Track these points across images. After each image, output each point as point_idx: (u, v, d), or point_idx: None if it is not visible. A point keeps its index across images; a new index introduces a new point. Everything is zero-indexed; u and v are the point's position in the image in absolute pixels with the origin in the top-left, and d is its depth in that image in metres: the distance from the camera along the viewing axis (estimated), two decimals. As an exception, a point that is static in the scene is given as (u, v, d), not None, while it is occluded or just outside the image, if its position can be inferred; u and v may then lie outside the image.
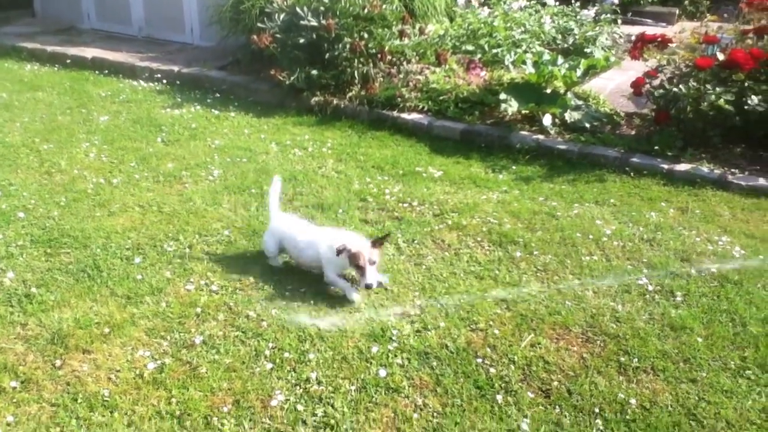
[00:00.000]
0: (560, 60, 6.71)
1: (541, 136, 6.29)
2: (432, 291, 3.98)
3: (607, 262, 4.31)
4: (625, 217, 4.93)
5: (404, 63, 7.38)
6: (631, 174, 5.66)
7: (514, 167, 5.92)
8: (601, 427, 2.98)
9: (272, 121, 7.03)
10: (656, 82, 6.11)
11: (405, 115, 6.88)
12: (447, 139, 6.57)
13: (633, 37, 6.79)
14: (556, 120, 6.38)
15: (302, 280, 4.03)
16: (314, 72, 7.10)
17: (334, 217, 4.85)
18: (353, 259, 3.79)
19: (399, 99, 6.95)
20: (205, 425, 2.91)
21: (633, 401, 3.11)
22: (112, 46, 9.16)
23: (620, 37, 9.26)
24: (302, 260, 4.10)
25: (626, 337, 3.57)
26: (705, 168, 5.58)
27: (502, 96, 6.46)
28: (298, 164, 5.87)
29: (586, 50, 8.31)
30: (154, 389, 3.09)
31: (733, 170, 5.53)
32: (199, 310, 3.69)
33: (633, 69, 7.10)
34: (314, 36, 7.03)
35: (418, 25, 7.82)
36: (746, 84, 5.68)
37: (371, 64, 7.16)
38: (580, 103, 6.54)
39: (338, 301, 3.85)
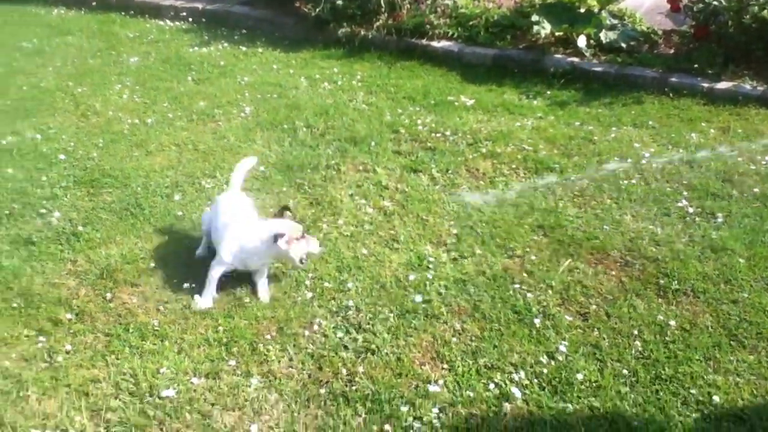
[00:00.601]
0: (595, -23, 6.43)
1: (575, 59, 6.11)
2: (467, 219, 3.98)
3: (646, 186, 4.25)
4: (664, 139, 4.83)
5: (432, -12, 7.15)
6: (670, 94, 5.49)
7: (548, 92, 5.80)
8: (640, 349, 3.00)
9: (300, 55, 6.94)
10: (695, -4, 5.84)
11: (434, 43, 6.73)
12: (478, 66, 6.43)
13: (673, -51, 6.46)
14: (591, 41, 6.17)
15: (338, 212, 4.06)
16: (339, 2, 6.93)
17: (367, 150, 4.83)
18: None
19: (428, 26, 6.78)
20: (252, 351, 3.02)
21: (672, 323, 3.12)
22: (136, -15, 9.04)
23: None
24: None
25: (666, 259, 3.55)
26: (747, 85, 5.38)
27: (534, 18, 6.25)
28: (328, 98, 5.83)
29: (622, -34, 7.93)
30: (201, 319, 3.20)
31: (777, 86, 5.33)
32: (239, 243, 3.76)
33: (671, -16, 6.78)
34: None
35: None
36: (794, -8, 5.40)
37: (398, -9, 6.96)
38: (615, 22, 6.30)
39: (374, 231, 3.88)
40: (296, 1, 7.22)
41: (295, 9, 7.24)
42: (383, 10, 7.02)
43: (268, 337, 3.10)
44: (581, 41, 6.14)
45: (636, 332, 3.09)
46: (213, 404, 2.76)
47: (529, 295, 3.35)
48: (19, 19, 8.12)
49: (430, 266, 3.58)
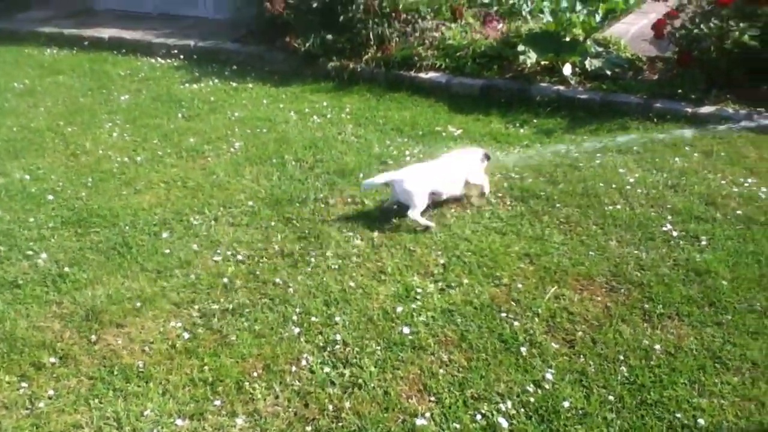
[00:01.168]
0: (578, 6, 6.55)
1: (561, 87, 6.19)
2: (454, 249, 4.00)
3: (631, 211, 4.28)
4: (648, 164, 4.87)
5: (419, 21, 7.25)
6: (655, 120, 5.56)
7: (535, 120, 5.86)
8: (626, 374, 3.00)
9: (290, 89, 7.03)
10: (678, 23, 5.95)
11: (422, 75, 6.83)
12: (466, 96, 6.51)
13: (653, -22, 6.60)
14: (577, 69, 6.27)
15: (327, 245, 4.08)
16: (329, 36, 7.07)
17: (356, 182, 4.87)
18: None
19: (416, 58, 6.89)
20: (238, 390, 3.01)
21: (658, 347, 3.13)
22: (127, 25, 9.18)
23: (641, -22, 8.97)
24: None
25: (650, 284, 3.56)
26: (730, 109, 5.46)
27: (520, 48, 6.36)
28: (317, 131, 5.89)
29: (605, -6, 8.07)
30: (186, 358, 3.20)
31: (759, 109, 5.39)
32: (226, 280, 3.78)
33: (654, 11, 6.93)
34: (327, -1, 6.97)
35: (432, -19, 7.67)
36: (772, 18, 5.51)
37: (386, 24, 7.07)
38: (600, 49, 6.40)
39: (362, 264, 3.89)
40: (286, 37, 7.32)
41: (285, 44, 7.34)
42: (372, 43, 7.14)
43: (255, 374, 3.10)
44: (567, 69, 6.23)
45: (622, 357, 3.09)
46: (198, 445, 2.75)
47: (515, 323, 3.35)
48: (12, 59, 8.25)
49: (418, 297, 3.59)
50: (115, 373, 3.11)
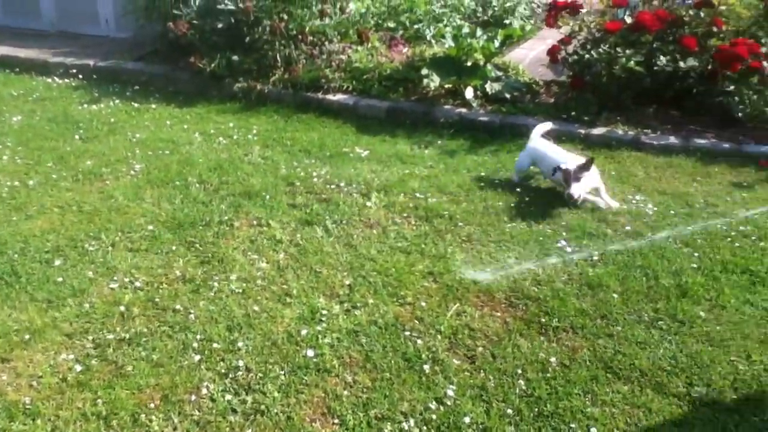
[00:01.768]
0: (479, 32, 6.80)
1: (464, 110, 6.38)
2: (360, 269, 4.02)
3: (529, 228, 4.44)
4: (545, 183, 5.08)
5: (326, 43, 7.34)
6: (551, 141, 5.79)
7: (439, 142, 6.00)
8: (524, 387, 3.09)
9: (195, 110, 6.91)
10: (570, 49, 6.28)
11: (330, 97, 6.87)
12: (373, 118, 6.60)
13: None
14: (478, 92, 6.49)
15: (231, 268, 4.01)
16: (235, 57, 7.00)
17: (261, 204, 4.83)
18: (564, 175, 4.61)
19: (323, 80, 6.93)
20: (133, 423, 2.89)
21: (553, 359, 3.25)
22: (22, 43, 8.77)
23: (538, 6, 9.43)
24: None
25: (547, 298, 3.70)
26: (620, 130, 5.79)
27: (424, 71, 6.52)
28: (223, 153, 5.80)
29: (505, 21, 8.44)
30: (78, 392, 3.04)
31: (645, 131, 5.75)
32: (123, 308, 3.64)
33: (551, 37, 7.24)
34: (232, 20, 6.92)
35: (338, 4, 7.76)
36: (654, 45, 5.90)
37: (293, 46, 7.10)
38: (500, 74, 6.66)
39: (267, 287, 3.85)
40: (191, 57, 7.19)
41: (190, 65, 7.21)
42: (279, 65, 7.14)
43: (152, 406, 2.99)
44: (468, 93, 6.44)
45: (520, 371, 3.18)
46: (90, 482, 2.62)
47: (419, 341, 3.40)
48: None
49: (323, 319, 3.58)
50: (-1, 411, 2.93)
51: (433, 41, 7.57)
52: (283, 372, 3.20)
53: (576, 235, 4.34)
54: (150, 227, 4.48)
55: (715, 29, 5.98)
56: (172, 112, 6.85)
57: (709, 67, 5.81)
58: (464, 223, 4.52)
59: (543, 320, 3.53)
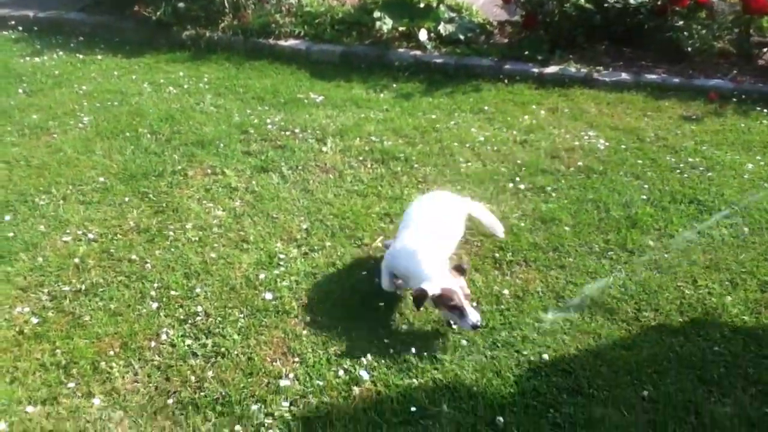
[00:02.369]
0: (431, -28, 6.68)
1: (418, 52, 6.33)
2: (317, 213, 4.03)
3: (484, 167, 4.49)
4: (499, 122, 5.11)
5: (275, -13, 7.14)
6: (505, 81, 5.83)
7: (394, 85, 5.96)
8: (479, 319, 3.17)
9: (143, 60, 6.70)
10: (523, -13, 6.23)
11: (282, 42, 6.73)
12: (327, 63, 6.50)
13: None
14: (432, 34, 6.42)
15: (186, 217, 3.98)
16: (181, 4, 6.78)
17: (215, 152, 4.77)
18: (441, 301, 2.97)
19: (274, 26, 6.77)
20: (93, 370, 2.90)
21: (506, 292, 3.33)
22: (-45, -6, 8.34)
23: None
24: None
25: (501, 234, 3.77)
26: (572, 68, 5.81)
27: (377, 14, 6.42)
28: (174, 102, 5.67)
29: (458, -39, 8.28)
30: (36, 343, 3.03)
31: (598, 68, 5.79)
32: (78, 260, 3.60)
33: (505, -24, 7.16)
34: (176, -34, 6.67)
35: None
36: (605, -18, 5.90)
37: (241, -9, 6.89)
38: (453, 15, 6.58)
39: (223, 234, 3.84)
40: (135, 5, 6.94)
41: (135, 13, 6.97)
42: (227, 11, 6.94)
43: (111, 353, 2.99)
44: (422, 35, 6.37)
45: (475, 304, 3.26)
46: (51, 431, 2.63)
47: (376, 280, 3.44)
48: None
49: (281, 263, 3.60)
50: (-47, 366, 2.90)
51: (385, -17, 7.41)
52: (242, 315, 3.22)
53: (530, 172, 4.40)
54: (101, 179, 4.40)
55: (664, -36, 5.99)
56: (119, 63, 6.64)
57: (659, 2, 5.84)
58: (420, 165, 4.54)
59: (497, 255, 3.61)
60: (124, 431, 2.64)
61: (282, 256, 3.65)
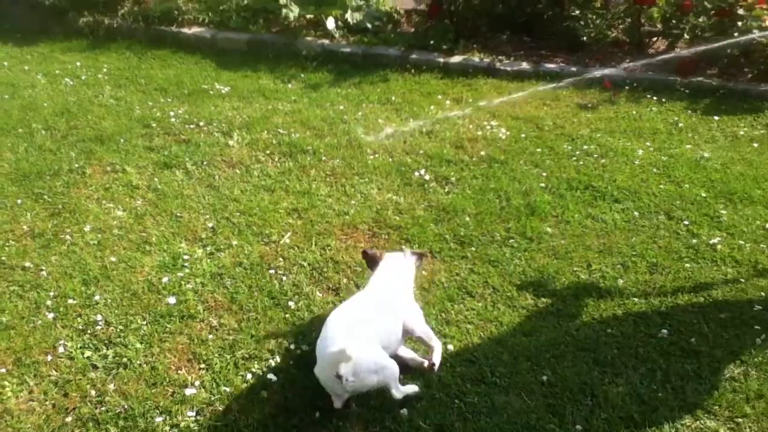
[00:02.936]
0: (337, -41, 6.64)
1: (326, 41, 6.30)
2: (223, 211, 3.97)
3: (390, 159, 4.54)
4: (406, 113, 5.17)
5: (176, -27, 6.90)
6: (412, 71, 5.89)
7: (302, 75, 5.91)
8: (385, 313, 3.22)
9: (37, 49, 6.38)
10: (427, -24, 6.29)
11: (186, 30, 6.55)
12: (233, 51, 6.38)
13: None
14: (340, 23, 6.39)
15: (84, 219, 3.83)
16: (76, -11, 6.46)
17: (115, 148, 4.60)
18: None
19: (176, 12, 6.60)
20: (-16, 390, 2.77)
21: (413, 284, 3.40)
22: None
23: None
24: None
25: (408, 226, 3.84)
26: (476, 58, 5.94)
27: (282, 1, 6.33)
28: (70, 95, 5.43)
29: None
30: None
31: (500, 57, 5.94)
32: (-35, 270, 3.41)
33: (412, -36, 7.20)
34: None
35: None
36: (505, -29, 6.04)
37: (139, -23, 6.64)
38: (361, 3, 6.58)
39: (124, 236, 3.72)
40: (25, -11, 6.57)
41: (26, -2, 6.60)
42: (127, -4, 6.67)
43: (3, 371, 2.86)
44: (330, 23, 6.34)
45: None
46: (-62, 456, 2.51)
47: (284, 278, 3.44)
48: None
49: (186, 264, 3.53)
50: None
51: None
52: (145, 322, 3.15)
53: (434, 162, 4.48)
54: (-9, 181, 4.18)
55: (561, -45, 6.19)
56: (9, 52, 6.29)
57: (558, -8, 6.04)
58: (328, 158, 4.54)
59: (404, 247, 3.66)
60: (20, 452, 2.55)
61: (186, 257, 3.58)
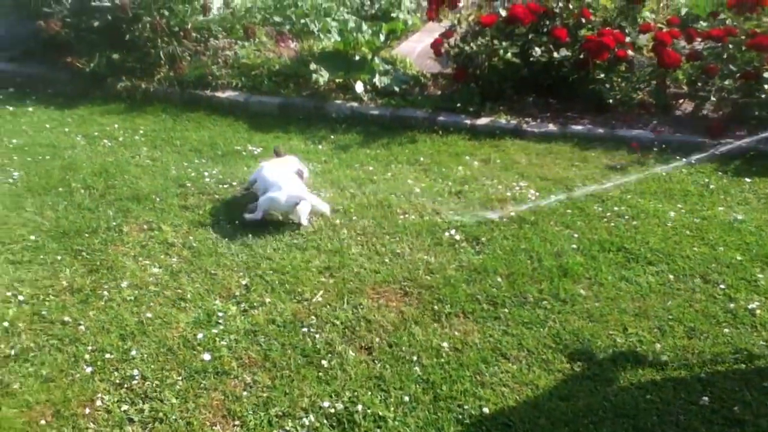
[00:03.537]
0: (365, 26, 6.89)
1: (355, 104, 6.47)
2: (256, 268, 4.02)
3: (420, 218, 4.59)
4: (434, 173, 5.25)
5: (211, 39, 7.20)
6: (440, 132, 6.01)
7: (332, 137, 6.05)
8: (420, 373, 3.21)
9: (77, 112, 6.61)
10: (452, 42, 6.48)
11: (219, 94, 6.77)
12: (265, 114, 6.56)
13: (433, -1, 7.10)
14: (368, 86, 6.58)
15: (121, 276, 3.91)
16: (115, 56, 6.75)
17: (151, 207, 4.72)
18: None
19: (210, 77, 6.82)
20: (23, 443, 2.79)
21: (446, 344, 3.39)
22: None
23: (425, -1, 9.61)
24: None
25: (439, 286, 3.85)
26: (503, 120, 6.05)
27: (313, 66, 6.55)
28: (108, 156, 5.60)
29: (392, 14, 8.56)
30: (-40, 416, 2.90)
31: (527, 119, 6.04)
32: (7, 324, 3.47)
33: (439, 30, 7.41)
34: (109, 17, 6.65)
35: (222, -1, 7.64)
36: (529, 37, 6.21)
37: (176, 43, 6.91)
38: (388, 67, 6.78)
39: (160, 292, 3.78)
40: (68, 56, 6.86)
41: (68, 64, 6.90)
42: (163, 62, 6.95)
43: (43, 422, 2.88)
44: (358, 87, 6.52)
45: (416, 358, 3.30)
46: None
47: (317, 336, 3.46)
48: None
49: (220, 321, 3.56)
50: None
51: (321, 35, 7.58)
52: (180, 378, 3.16)
53: (464, 223, 4.52)
54: (32, 237, 4.28)
55: (584, 20, 6.36)
56: (51, 115, 6.53)
57: (581, 56, 6.17)
58: (358, 217, 4.61)
59: (436, 307, 3.68)
60: (56, 507, 2.54)
61: (221, 314, 3.62)
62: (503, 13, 6.28)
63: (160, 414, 2.95)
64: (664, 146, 5.65)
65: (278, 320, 3.58)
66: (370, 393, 3.09)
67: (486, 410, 3.01)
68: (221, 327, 3.51)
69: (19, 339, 3.39)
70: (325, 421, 2.94)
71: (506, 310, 3.66)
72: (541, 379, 3.19)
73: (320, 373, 3.20)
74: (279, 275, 3.96)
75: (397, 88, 6.54)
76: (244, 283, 3.89)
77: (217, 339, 3.42)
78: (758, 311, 3.61)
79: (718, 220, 4.54)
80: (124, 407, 2.99)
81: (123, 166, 5.38)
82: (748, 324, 3.54)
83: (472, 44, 6.18)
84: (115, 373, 3.18)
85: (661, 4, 7.35)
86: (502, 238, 4.34)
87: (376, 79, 6.52)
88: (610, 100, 6.14)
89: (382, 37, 6.69)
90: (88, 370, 3.19)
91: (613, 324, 3.58)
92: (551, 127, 5.95)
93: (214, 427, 2.90)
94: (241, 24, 7.41)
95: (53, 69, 7.27)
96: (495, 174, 5.21)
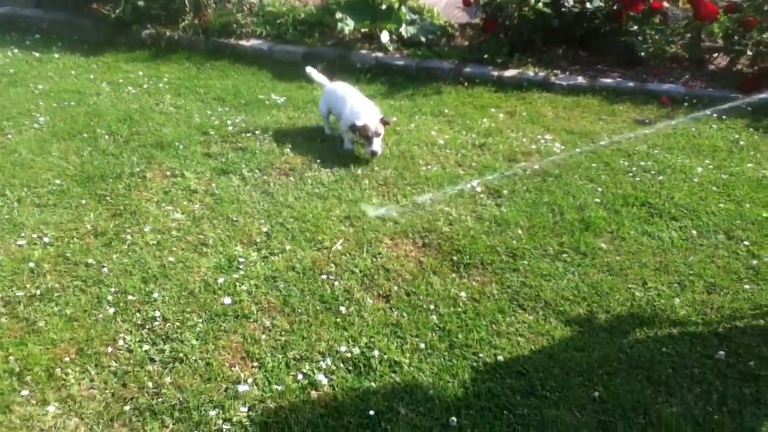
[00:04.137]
0: (392, -26, 6.72)
1: (380, 54, 6.37)
2: (278, 216, 4.04)
3: (442, 170, 4.55)
4: (458, 125, 5.19)
5: (237, -13, 7.11)
6: (465, 84, 5.91)
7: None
8: (436, 321, 3.23)
9: (102, 59, 6.62)
10: (482, -9, 6.32)
11: (244, 42, 6.71)
12: (289, 63, 6.50)
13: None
14: (394, 36, 6.47)
15: (144, 221, 3.96)
16: (140, 2, 6.70)
17: (175, 154, 4.74)
18: (362, 131, 4.60)
19: (235, 26, 6.76)
20: (48, 377, 2.87)
21: (463, 294, 3.39)
22: None
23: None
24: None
25: (458, 237, 3.83)
26: (531, 72, 5.92)
27: (338, 15, 6.44)
28: (133, 103, 5.62)
29: (420, -37, 8.34)
30: (-12, 351, 2.99)
31: (555, 71, 5.91)
32: (32, 264, 3.55)
33: (467, -21, 7.24)
34: (135, -37, 6.59)
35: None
36: (562, -14, 6.02)
37: (201, -10, 6.84)
38: (415, 17, 6.64)
39: (182, 237, 3.82)
40: (93, 3, 6.84)
41: (94, 10, 6.89)
42: (188, 9, 6.89)
43: (67, 359, 2.97)
44: (384, 37, 6.41)
45: (433, 306, 3.32)
46: (4, 439, 2.61)
47: (336, 284, 3.48)
48: None
49: (240, 267, 3.60)
50: None
51: (348, -17, 7.43)
52: (200, 320, 3.22)
53: (487, 175, 4.47)
54: (57, 181, 4.34)
55: (620, -30, 6.13)
56: (77, 62, 6.54)
57: (614, 7, 5.98)
58: (380, 168, 4.58)
59: (455, 258, 3.67)
60: (80, 438, 2.63)
61: (242, 259, 3.65)
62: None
63: (180, 354, 3.02)
64: (695, 101, 5.50)
65: (298, 267, 3.61)
66: (386, 339, 3.12)
67: (501, 358, 3.02)
68: (242, 272, 3.55)
69: (44, 279, 3.46)
70: (341, 365, 2.98)
71: (525, 262, 3.64)
72: (558, 330, 3.19)
73: (338, 319, 3.24)
74: (300, 223, 3.97)
75: (423, 39, 6.42)
76: (264, 230, 3.92)
77: (238, 284, 3.46)
78: (783, 269, 3.55)
79: (746, 177, 4.43)
80: (146, 347, 3.05)
81: (147, 113, 5.39)
82: (771, 281, 3.48)
83: (502, -7, 6.02)
84: (137, 315, 3.24)
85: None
86: (525, 191, 4.29)
87: (403, 29, 6.40)
88: (642, 53, 5.96)
89: (409, -15, 6.54)
90: (111, 310, 3.25)
91: (632, 278, 3.54)
92: (580, 79, 5.81)
93: (232, 368, 2.96)
94: (266, -29, 7.29)
95: (79, 15, 7.27)
96: (520, 127, 5.13)
